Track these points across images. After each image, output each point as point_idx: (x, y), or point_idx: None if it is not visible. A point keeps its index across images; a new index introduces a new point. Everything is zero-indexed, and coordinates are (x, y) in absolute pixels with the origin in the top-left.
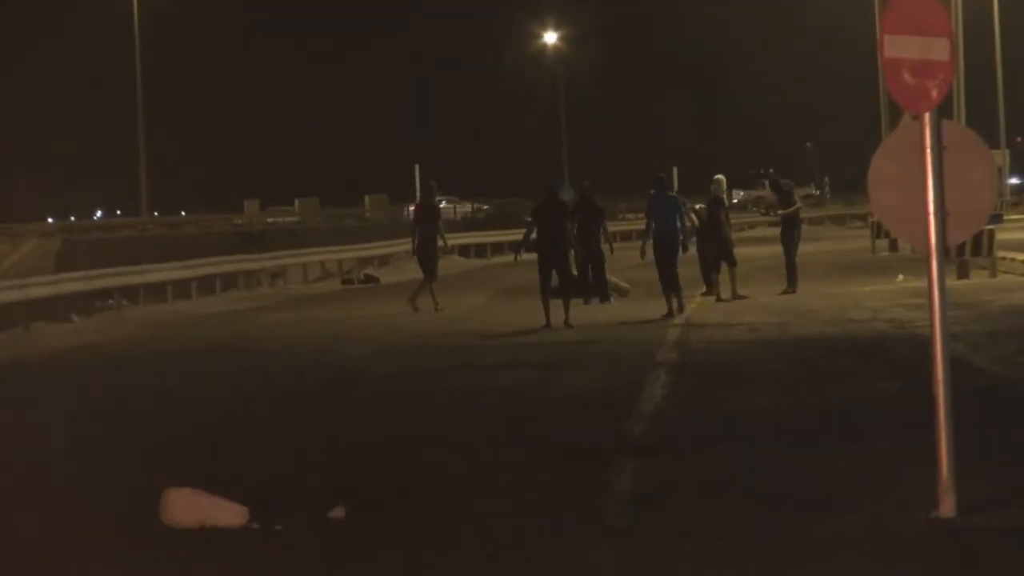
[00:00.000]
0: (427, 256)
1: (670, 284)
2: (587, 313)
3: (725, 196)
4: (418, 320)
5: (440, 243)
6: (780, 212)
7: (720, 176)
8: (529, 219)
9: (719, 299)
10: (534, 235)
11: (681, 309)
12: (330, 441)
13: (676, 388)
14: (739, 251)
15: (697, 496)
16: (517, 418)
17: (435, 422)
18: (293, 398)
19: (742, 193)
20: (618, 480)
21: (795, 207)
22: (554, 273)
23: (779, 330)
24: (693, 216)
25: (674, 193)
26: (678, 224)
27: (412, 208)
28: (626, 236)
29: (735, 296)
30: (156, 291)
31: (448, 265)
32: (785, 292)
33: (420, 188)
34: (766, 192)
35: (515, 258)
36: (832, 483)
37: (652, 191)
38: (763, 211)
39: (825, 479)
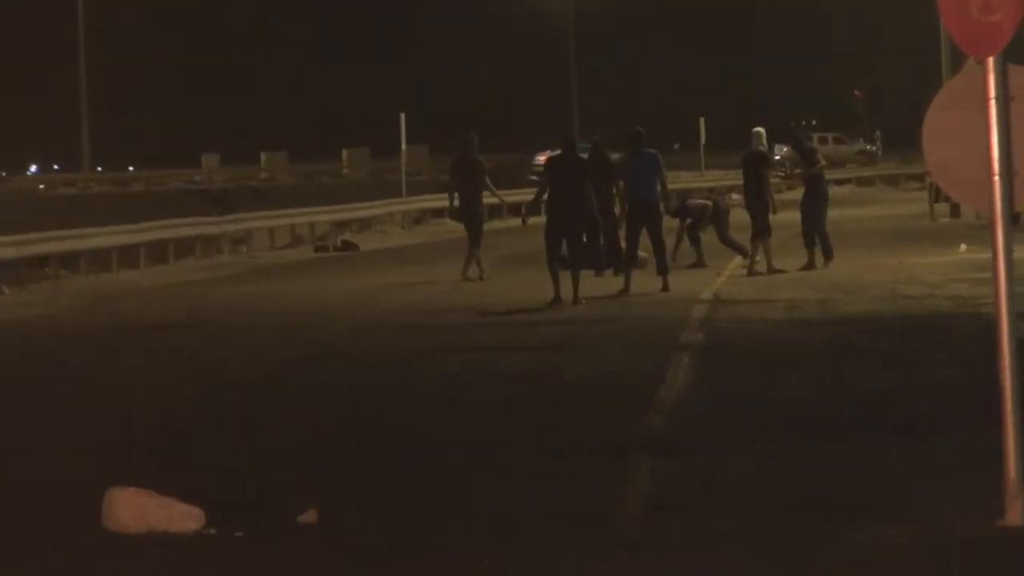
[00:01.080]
0: (472, 218)
1: (659, 253)
2: (601, 287)
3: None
4: (403, 293)
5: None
6: (797, 172)
7: (760, 129)
8: (538, 178)
9: (751, 272)
10: (546, 196)
11: (666, 287)
12: (300, 435)
13: (702, 375)
14: (780, 216)
15: (724, 501)
16: (518, 409)
17: (422, 413)
18: (257, 385)
19: (785, 149)
20: (634, 482)
21: (819, 166)
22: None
23: (822, 308)
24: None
25: (653, 151)
26: (657, 186)
27: (542, 159)
28: None
29: (771, 270)
30: (99, 259)
31: (438, 231)
32: (805, 268)
33: (462, 142)
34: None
35: (523, 222)
36: (880, 486)
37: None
38: (782, 172)
39: (871, 481)
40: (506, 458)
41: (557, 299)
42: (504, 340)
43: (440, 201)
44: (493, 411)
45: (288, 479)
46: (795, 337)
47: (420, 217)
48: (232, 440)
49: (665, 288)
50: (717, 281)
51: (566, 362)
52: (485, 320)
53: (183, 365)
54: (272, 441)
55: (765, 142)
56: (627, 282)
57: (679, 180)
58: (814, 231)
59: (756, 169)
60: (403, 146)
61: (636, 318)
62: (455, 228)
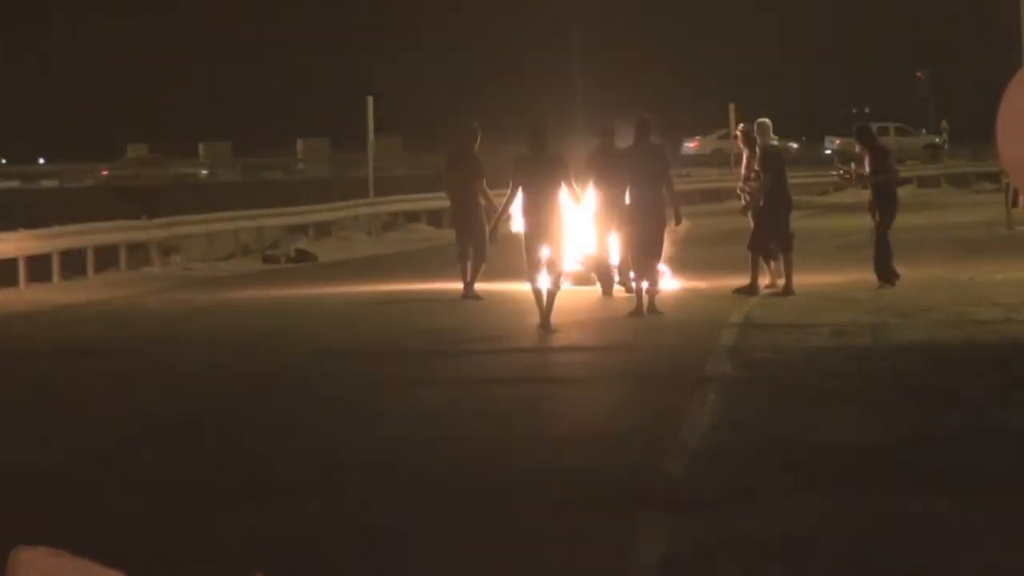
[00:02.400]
0: (468, 226)
1: (644, 267)
2: (613, 308)
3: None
4: (368, 313)
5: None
6: (862, 173)
7: (766, 120)
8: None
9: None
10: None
11: (651, 309)
12: (242, 484)
13: (730, 414)
14: (822, 222)
15: (757, 566)
16: (508, 455)
17: (389, 459)
18: (190, 423)
19: (837, 141)
20: (649, 543)
21: (893, 174)
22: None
23: (874, 334)
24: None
25: (660, 142)
26: (660, 186)
27: (690, 144)
28: None
29: (786, 291)
30: (2, 270)
31: (412, 239)
32: (883, 286)
33: (463, 132)
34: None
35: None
36: (946, 550)
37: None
38: (839, 170)
39: (936, 545)
40: (495, 511)
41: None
42: (492, 371)
43: (414, 203)
44: (478, 455)
45: (227, 536)
46: (841, 369)
47: (391, 222)
48: (161, 489)
49: (644, 310)
50: (749, 302)
51: (567, 397)
52: (467, 346)
53: (96, 403)
54: (208, 490)
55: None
56: (640, 301)
57: (707, 178)
58: (888, 253)
59: (772, 166)
60: (370, 136)
61: (652, 345)
62: (431, 236)
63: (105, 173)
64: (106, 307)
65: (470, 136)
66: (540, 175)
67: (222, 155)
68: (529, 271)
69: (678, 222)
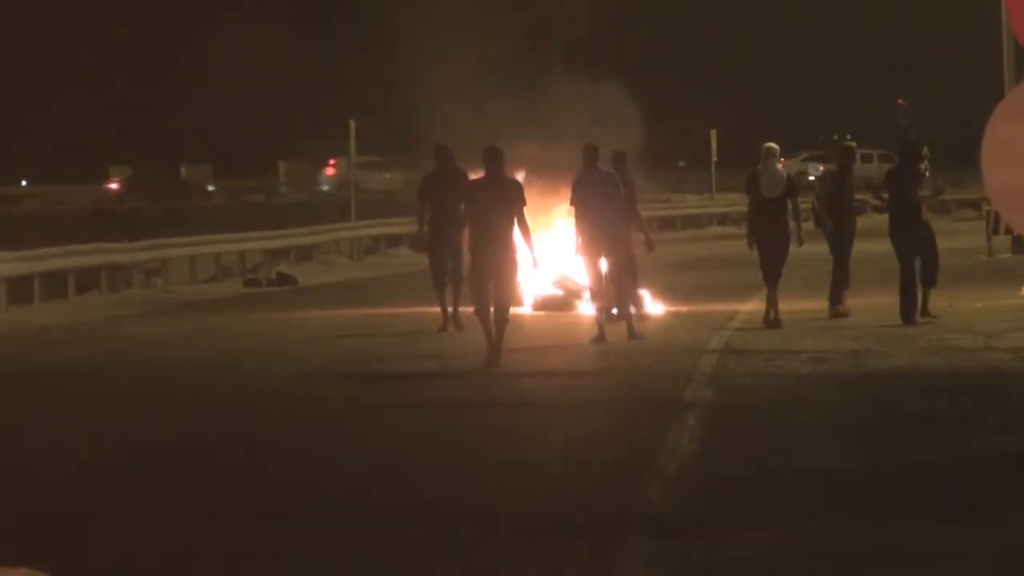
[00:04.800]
0: (442, 250)
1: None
2: (591, 334)
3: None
4: (349, 337)
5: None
6: (925, 194)
7: (774, 144)
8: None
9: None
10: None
11: (631, 334)
12: (220, 512)
13: (710, 440)
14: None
15: None
16: (486, 479)
17: (365, 486)
18: (167, 447)
19: (820, 168)
20: (627, 569)
21: (932, 194)
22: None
23: (855, 361)
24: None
25: (608, 169)
26: (616, 213)
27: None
28: None
29: (768, 321)
30: None
31: (392, 262)
32: (929, 317)
33: (436, 153)
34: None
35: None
36: None
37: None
38: (879, 195)
39: (917, 573)
40: (472, 538)
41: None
42: (469, 395)
43: (396, 227)
44: (456, 480)
45: (207, 568)
46: (821, 396)
47: (372, 246)
48: (134, 520)
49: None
50: (730, 327)
51: (544, 423)
52: (446, 371)
53: (77, 425)
54: (184, 519)
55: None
56: (601, 328)
57: (685, 204)
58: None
59: (788, 194)
60: (351, 159)
61: (631, 370)
62: (413, 260)
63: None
64: (85, 330)
65: (445, 155)
66: (491, 202)
67: (203, 177)
68: (476, 306)
69: (650, 248)
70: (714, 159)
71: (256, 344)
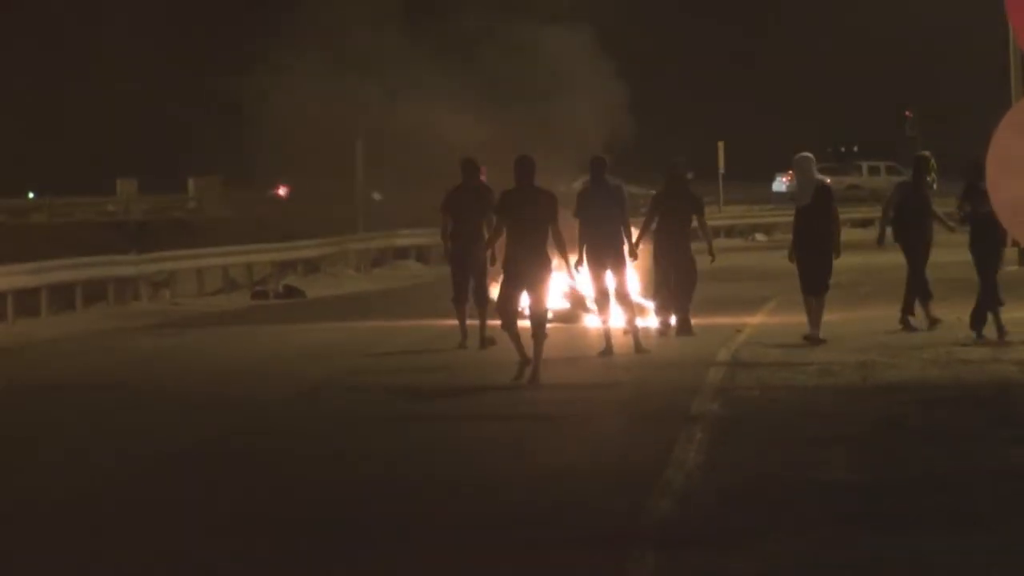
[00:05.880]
0: (465, 267)
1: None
2: (599, 346)
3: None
4: (357, 349)
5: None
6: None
7: (809, 154)
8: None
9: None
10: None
11: (638, 347)
12: (228, 521)
13: (716, 452)
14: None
15: None
16: (495, 491)
17: (372, 497)
18: (174, 458)
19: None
20: None
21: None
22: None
23: (862, 373)
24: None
25: (618, 182)
26: (621, 226)
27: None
28: None
29: (810, 338)
30: None
31: (400, 275)
32: (1003, 338)
33: (462, 167)
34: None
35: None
36: None
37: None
38: (961, 212)
39: None
40: (479, 550)
41: (524, 361)
42: (477, 408)
43: (403, 239)
44: (463, 493)
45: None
46: (829, 408)
47: (380, 258)
48: (135, 527)
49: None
50: (737, 339)
51: (552, 435)
52: (453, 383)
53: (83, 439)
54: (183, 525)
55: None
56: (609, 340)
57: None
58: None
59: (823, 206)
60: (359, 174)
61: (638, 383)
62: (419, 272)
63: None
64: (95, 342)
65: (471, 169)
66: (524, 213)
67: (212, 190)
68: (505, 320)
69: (635, 257)
70: (721, 171)
71: (262, 357)
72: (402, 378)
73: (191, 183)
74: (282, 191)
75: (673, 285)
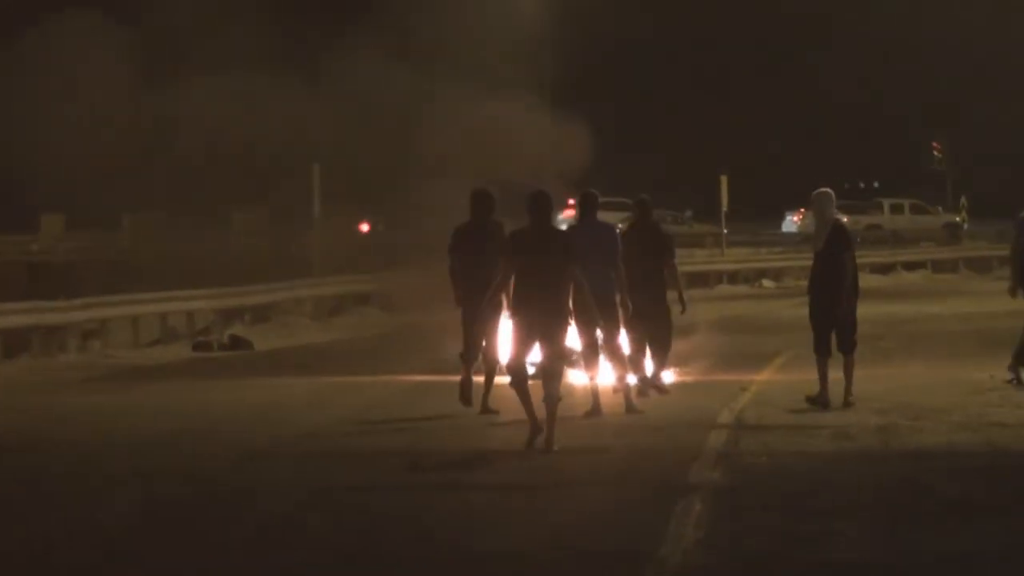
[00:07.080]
0: (475, 315)
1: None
2: (583, 408)
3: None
4: (311, 408)
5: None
6: None
7: (829, 190)
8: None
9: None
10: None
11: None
12: None
13: (718, 527)
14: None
15: None
16: (466, 572)
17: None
18: (99, 537)
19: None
20: None
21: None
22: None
23: (882, 437)
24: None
25: (614, 223)
26: (612, 272)
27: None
28: None
29: (846, 402)
30: None
31: (360, 324)
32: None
33: (473, 199)
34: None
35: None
36: None
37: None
38: None
39: None
40: None
41: (536, 428)
42: (453, 475)
43: (364, 284)
44: (432, 573)
45: None
46: (844, 478)
47: (338, 305)
48: None
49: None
50: (741, 398)
51: (534, 506)
52: (425, 446)
53: None
54: None
55: None
56: (596, 400)
57: (693, 260)
58: None
59: (837, 251)
60: (315, 207)
61: (631, 448)
62: (383, 321)
63: None
64: (8, 401)
65: (485, 203)
66: (540, 255)
67: (148, 228)
68: (513, 377)
69: (626, 310)
70: (724, 209)
71: (202, 418)
72: (359, 441)
73: (125, 219)
74: (365, 227)
75: (640, 339)
